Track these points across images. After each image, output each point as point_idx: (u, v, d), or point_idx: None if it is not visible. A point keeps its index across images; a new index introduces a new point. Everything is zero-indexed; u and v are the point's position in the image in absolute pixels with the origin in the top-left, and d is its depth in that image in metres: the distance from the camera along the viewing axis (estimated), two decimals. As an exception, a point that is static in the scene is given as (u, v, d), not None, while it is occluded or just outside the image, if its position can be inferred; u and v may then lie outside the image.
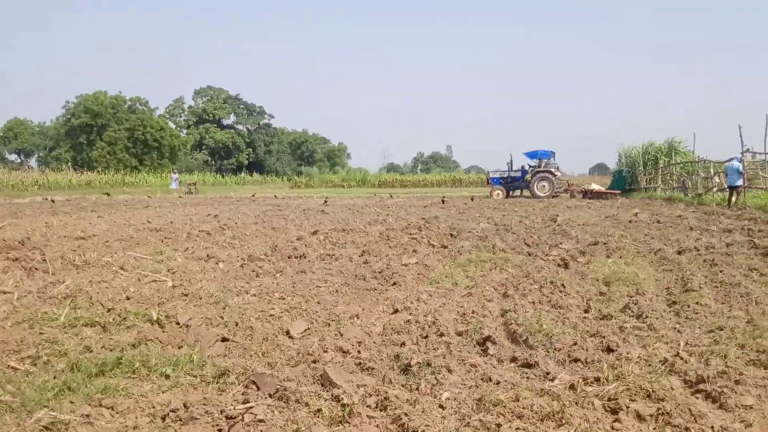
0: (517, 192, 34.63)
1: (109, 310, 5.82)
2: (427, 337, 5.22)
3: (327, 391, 3.89)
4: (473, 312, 6.11)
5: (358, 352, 4.81)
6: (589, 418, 3.50)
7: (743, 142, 22.03)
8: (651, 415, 3.56)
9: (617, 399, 3.73)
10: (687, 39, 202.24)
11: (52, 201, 28.63)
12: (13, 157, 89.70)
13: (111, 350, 4.70)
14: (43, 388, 3.89)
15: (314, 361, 4.52)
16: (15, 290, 6.65)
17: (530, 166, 34.33)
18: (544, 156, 34.03)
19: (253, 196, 36.43)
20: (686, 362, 4.48)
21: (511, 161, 35.01)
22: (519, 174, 34.51)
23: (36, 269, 8.07)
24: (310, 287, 7.37)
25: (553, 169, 33.18)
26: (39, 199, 31.40)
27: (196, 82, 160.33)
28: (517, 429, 3.38)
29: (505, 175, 34.71)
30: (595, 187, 34.19)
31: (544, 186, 32.22)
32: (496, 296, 7.10)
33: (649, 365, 4.44)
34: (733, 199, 20.16)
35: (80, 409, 3.59)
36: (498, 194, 32.99)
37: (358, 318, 5.97)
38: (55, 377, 4.11)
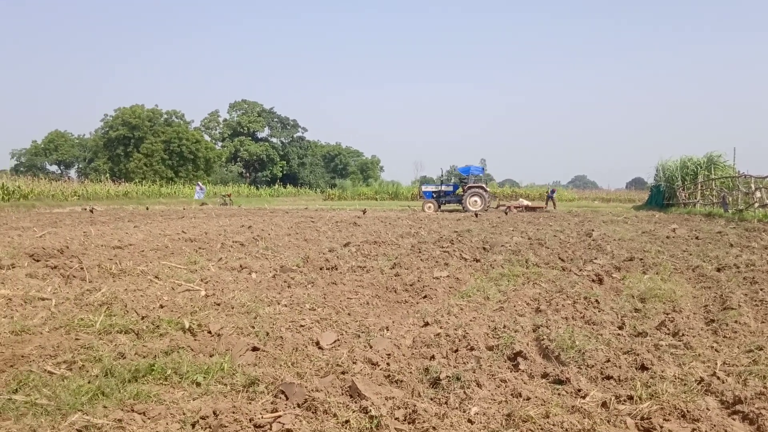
0: (449, 206, 36.21)
1: (143, 318, 5.92)
2: (457, 350, 5.17)
3: (355, 402, 3.88)
4: (504, 326, 6.04)
5: (388, 364, 4.79)
6: (621, 437, 3.43)
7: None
8: (686, 436, 3.47)
9: (651, 418, 3.64)
10: (728, 56, 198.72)
11: (92, 210, 29.30)
12: (53, 168, 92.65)
13: (144, 357, 4.77)
14: (77, 392, 3.97)
15: (343, 373, 4.53)
16: (53, 297, 6.80)
17: (461, 181, 36.03)
18: (477, 172, 36.03)
19: (306, 208, 36.42)
20: (723, 382, 4.35)
21: (442, 174, 38.07)
22: (450, 188, 36.24)
23: (74, 277, 8.25)
24: (341, 299, 7.39)
25: (484, 185, 35.00)
26: (78, 209, 32.16)
27: (231, 95, 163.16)
28: (547, 446, 3.33)
29: (437, 189, 36.26)
30: (524, 202, 37.03)
31: (476, 201, 33.94)
32: (529, 311, 7.01)
33: (685, 384, 4.33)
34: None
35: (113, 414, 3.65)
36: (429, 207, 34.49)
37: (388, 330, 5.95)
38: (89, 382, 4.19)
